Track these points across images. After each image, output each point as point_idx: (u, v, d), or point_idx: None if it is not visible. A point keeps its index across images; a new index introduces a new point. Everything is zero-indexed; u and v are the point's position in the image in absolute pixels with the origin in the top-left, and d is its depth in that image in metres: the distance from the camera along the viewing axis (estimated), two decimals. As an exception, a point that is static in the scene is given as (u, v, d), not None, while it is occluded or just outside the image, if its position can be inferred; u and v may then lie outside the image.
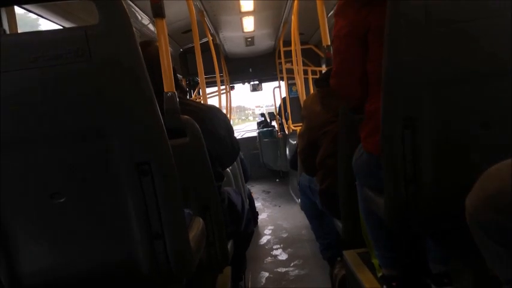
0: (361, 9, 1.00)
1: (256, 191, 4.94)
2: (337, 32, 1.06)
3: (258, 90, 5.80)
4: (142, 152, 0.79)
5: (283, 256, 2.70)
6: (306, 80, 3.82)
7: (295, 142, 3.46)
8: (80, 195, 0.82)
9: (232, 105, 5.01)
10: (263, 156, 5.60)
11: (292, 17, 2.92)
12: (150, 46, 1.35)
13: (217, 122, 1.47)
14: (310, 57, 4.53)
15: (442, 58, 0.87)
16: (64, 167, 0.80)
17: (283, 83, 4.88)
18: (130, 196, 0.80)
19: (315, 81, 1.99)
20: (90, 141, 0.78)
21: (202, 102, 2.86)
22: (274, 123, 5.88)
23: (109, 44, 0.74)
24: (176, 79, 1.45)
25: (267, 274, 2.43)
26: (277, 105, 5.56)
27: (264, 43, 4.84)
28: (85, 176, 0.81)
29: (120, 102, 0.77)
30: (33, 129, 0.77)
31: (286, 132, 4.68)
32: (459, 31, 0.86)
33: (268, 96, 5.95)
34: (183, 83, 4.75)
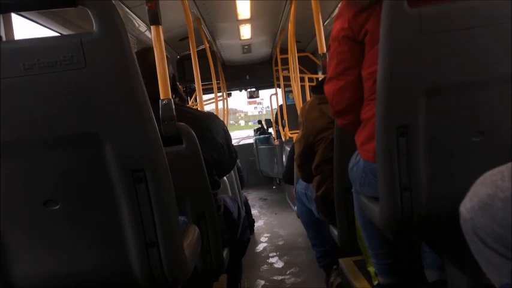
0: (360, 14, 0.99)
1: (253, 198, 4.93)
2: (336, 34, 1.06)
3: (255, 97, 5.82)
4: (136, 159, 0.79)
5: (279, 264, 2.68)
6: (303, 87, 3.85)
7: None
8: (74, 202, 0.81)
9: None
10: (260, 163, 5.60)
11: (289, 24, 2.95)
12: (149, 53, 1.35)
13: (215, 129, 1.47)
14: (306, 64, 4.56)
15: (436, 66, 0.88)
16: (58, 174, 0.80)
17: (280, 90, 4.90)
18: (124, 203, 0.80)
19: (312, 87, 2.00)
20: (84, 149, 0.78)
21: (199, 109, 2.87)
22: (271, 130, 5.90)
23: (104, 51, 0.75)
24: (175, 86, 1.45)
25: (263, 282, 2.41)
26: (274, 112, 5.58)
27: (261, 50, 4.86)
28: (79, 184, 0.80)
29: (115, 109, 0.77)
30: (28, 136, 0.77)
31: (283, 139, 4.69)
32: (454, 40, 0.86)
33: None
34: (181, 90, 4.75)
